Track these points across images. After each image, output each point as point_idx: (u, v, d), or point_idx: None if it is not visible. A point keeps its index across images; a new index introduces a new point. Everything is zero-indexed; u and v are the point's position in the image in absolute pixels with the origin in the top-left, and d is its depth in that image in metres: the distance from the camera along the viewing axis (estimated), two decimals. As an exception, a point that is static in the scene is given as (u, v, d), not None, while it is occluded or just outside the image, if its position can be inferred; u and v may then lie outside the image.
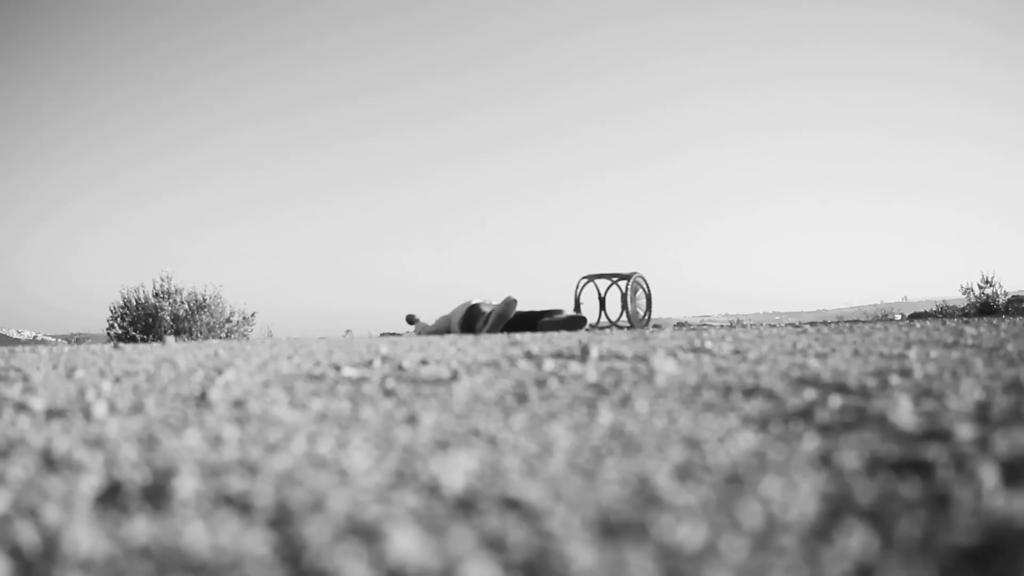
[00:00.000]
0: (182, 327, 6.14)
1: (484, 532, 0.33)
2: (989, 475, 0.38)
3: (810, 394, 0.69)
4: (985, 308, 7.39)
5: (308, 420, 0.63)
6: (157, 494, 0.40)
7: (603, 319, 6.66)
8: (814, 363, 0.99)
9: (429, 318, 5.02)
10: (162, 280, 6.48)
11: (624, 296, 6.39)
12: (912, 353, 1.09)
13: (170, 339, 2.18)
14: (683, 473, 0.42)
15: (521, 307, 4.16)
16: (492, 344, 1.62)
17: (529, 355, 1.20)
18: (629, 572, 0.28)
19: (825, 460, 0.44)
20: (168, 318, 6.13)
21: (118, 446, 0.53)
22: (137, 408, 0.73)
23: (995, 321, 2.59)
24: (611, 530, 0.33)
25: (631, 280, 6.50)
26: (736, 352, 1.22)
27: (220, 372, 1.07)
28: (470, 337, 2.18)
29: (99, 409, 0.71)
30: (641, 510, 0.35)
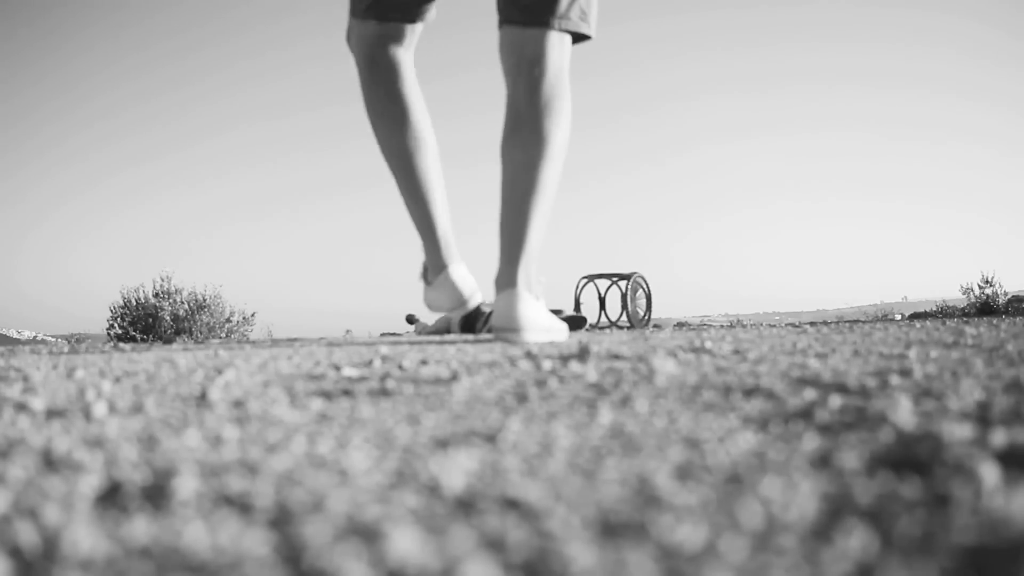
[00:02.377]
0: (182, 327, 6.14)
1: (484, 532, 0.33)
2: (989, 475, 0.38)
3: (810, 394, 0.69)
4: (985, 308, 7.39)
5: (308, 420, 0.64)
6: (157, 494, 0.40)
7: (603, 319, 6.66)
8: (814, 363, 0.99)
9: (429, 318, 5.02)
10: (162, 280, 6.48)
11: (624, 296, 6.39)
12: (912, 353, 1.09)
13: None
14: (683, 473, 0.42)
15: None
16: (492, 344, 1.62)
17: (529, 355, 1.20)
18: (629, 572, 0.28)
19: (825, 460, 0.44)
20: (168, 318, 6.13)
21: (118, 446, 0.53)
22: (137, 408, 0.73)
23: (995, 321, 2.59)
24: (611, 530, 0.33)
25: (631, 280, 6.50)
26: (736, 352, 1.22)
27: (220, 372, 1.07)
28: (470, 337, 2.19)
29: (99, 409, 0.71)
30: (641, 510, 0.35)
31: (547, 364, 1.02)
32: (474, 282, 1.73)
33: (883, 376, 0.81)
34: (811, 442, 0.49)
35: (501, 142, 1.51)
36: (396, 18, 1.51)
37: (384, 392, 0.80)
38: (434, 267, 1.67)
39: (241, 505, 0.38)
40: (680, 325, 7.45)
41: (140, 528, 0.34)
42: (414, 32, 1.56)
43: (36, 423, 0.65)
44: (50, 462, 0.49)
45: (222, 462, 0.48)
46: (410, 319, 5.13)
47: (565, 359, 1.11)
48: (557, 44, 1.46)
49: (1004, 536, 0.30)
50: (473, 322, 4.17)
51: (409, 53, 1.57)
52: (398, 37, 1.53)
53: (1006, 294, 7.60)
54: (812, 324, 3.27)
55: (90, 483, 0.42)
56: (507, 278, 1.49)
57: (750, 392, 0.72)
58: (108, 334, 6.34)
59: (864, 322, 3.91)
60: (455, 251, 1.67)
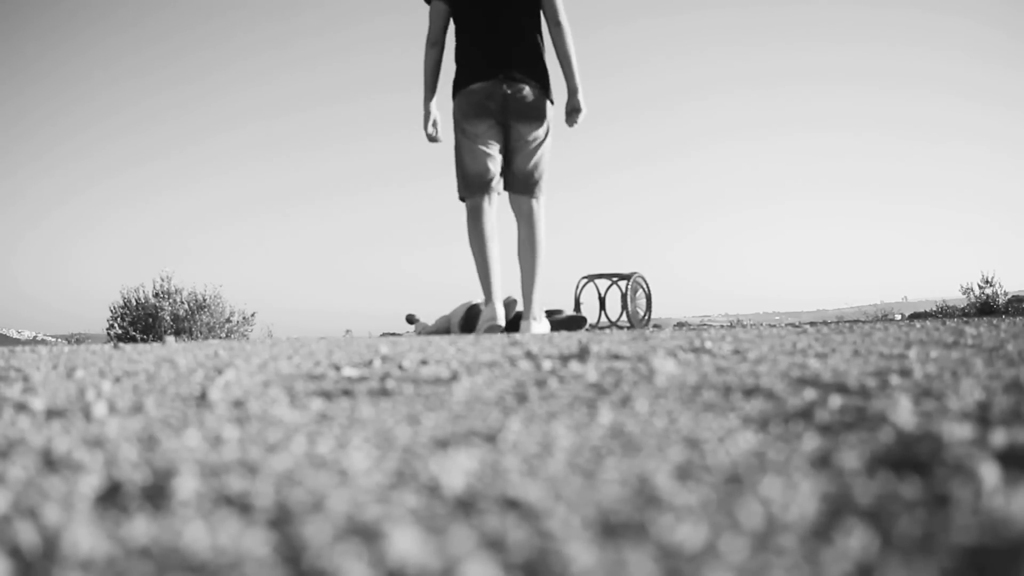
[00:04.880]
0: (182, 327, 6.14)
1: (484, 532, 0.33)
2: (989, 475, 0.38)
3: (810, 394, 0.69)
4: (985, 308, 7.39)
5: (308, 420, 0.64)
6: (157, 494, 0.40)
7: (603, 319, 6.65)
8: (814, 363, 0.99)
9: (429, 318, 5.02)
10: (162, 280, 6.48)
11: (624, 296, 6.39)
12: (912, 353, 1.09)
13: (170, 339, 2.18)
14: (683, 473, 0.42)
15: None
16: (492, 344, 1.62)
17: (529, 355, 1.20)
18: (629, 572, 0.28)
19: (825, 460, 0.44)
20: (168, 318, 6.13)
21: (118, 446, 0.53)
22: (137, 408, 0.73)
23: (995, 321, 2.59)
24: (611, 530, 0.33)
25: (631, 280, 6.50)
26: (736, 352, 1.22)
27: (220, 372, 1.07)
28: (470, 337, 2.18)
29: (99, 409, 0.71)
30: (641, 510, 0.35)
31: (547, 364, 1.03)
32: (503, 311, 3.25)
33: (883, 376, 0.81)
34: (811, 442, 0.49)
35: (517, 252, 3.13)
36: (480, 192, 3.07)
37: (384, 392, 0.80)
38: (488, 300, 3.15)
39: (241, 505, 0.38)
40: (680, 325, 7.44)
41: (140, 528, 0.34)
42: (494, 198, 3.14)
43: (36, 423, 0.65)
44: (50, 462, 0.49)
45: (222, 462, 0.48)
46: (410, 319, 5.14)
47: (565, 359, 1.11)
48: (535, 203, 3.11)
49: (1004, 536, 0.30)
50: (473, 322, 4.20)
51: (493, 205, 3.11)
52: (485, 197, 3.10)
53: (1006, 294, 7.60)
54: (812, 324, 3.27)
55: (90, 483, 0.42)
56: (526, 313, 3.12)
57: (750, 392, 0.72)
58: (108, 334, 6.34)
59: (864, 322, 3.91)
60: (498, 295, 3.17)
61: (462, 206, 3.14)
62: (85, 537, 0.33)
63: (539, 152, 3.06)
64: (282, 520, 0.35)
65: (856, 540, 0.31)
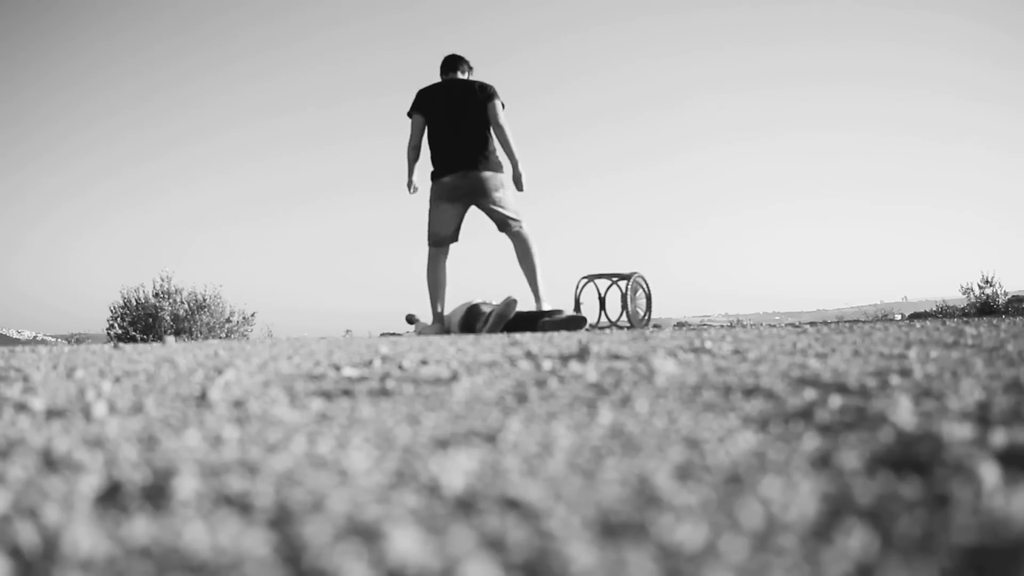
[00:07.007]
0: (182, 327, 6.14)
1: (484, 532, 0.33)
2: (989, 475, 0.38)
3: (810, 394, 0.69)
4: (985, 308, 7.39)
5: (308, 420, 0.64)
6: (157, 494, 0.40)
7: (603, 319, 6.65)
8: (814, 363, 0.99)
9: (429, 318, 5.01)
10: (162, 280, 6.48)
11: (624, 296, 6.39)
12: (912, 353, 1.09)
13: (170, 339, 2.18)
14: (683, 473, 0.42)
15: (521, 307, 4.30)
16: (492, 344, 1.62)
17: (529, 355, 1.20)
18: (629, 572, 0.28)
19: (825, 460, 0.44)
20: (168, 318, 6.13)
21: (118, 446, 0.53)
22: (137, 408, 0.73)
23: (995, 321, 2.59)
24: (611, 530, 0.33)
25: (631, 280, 6.50)
26: (736, 352, 1.22)
27: (220, 372, 1.07)
28: (470, 337, 2.18)
29: (99, 409, 0.71)
30: (641, 510, 0.35)
31: (547, 364, 1.02)
32: (444, 328, 4.38)
33: (883, 376, 0.81)
34: (811, 442, 0.49)
35: (517, 260, 4.37)
36: (441, 245, 4.35)
37: (384, 392, 0.80)
38: (435, 320, 4.35)
39: (241, 505, 0.38)
40: (680, 325, 7.43)
41: (140, 528, 0.34)
42: (448, 250, 4.38)
43: (36, 423, 0.65)
44: (50, 462, 0.49)
45: (222, 462, 0.48)
46: (410, 319, 5.14)
47: (565, 359, 1.11)
48: (518, 231, 4.28)
49: (1004, 536, 0.30)
50: (473, 322, 4.29)
51: (446, 255, 4.38)
52: (445, 248, 4.38)
53: (1006, 294, 7.60)
54: (812, 324, 3.27)
55: (90, 483, 0.42)
56: (537, 302, 4.26)
57: (750, 392, 0.72)
58: (108, 334, 6.33)
59: (864, 322, 3.91)
60: (443, 315, 4.40)
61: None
62: (85, 537, 0.33)
63: (505, 208, 4.30)
64: (282, 520, 0.35)
65: (856, 540, 0.31)
